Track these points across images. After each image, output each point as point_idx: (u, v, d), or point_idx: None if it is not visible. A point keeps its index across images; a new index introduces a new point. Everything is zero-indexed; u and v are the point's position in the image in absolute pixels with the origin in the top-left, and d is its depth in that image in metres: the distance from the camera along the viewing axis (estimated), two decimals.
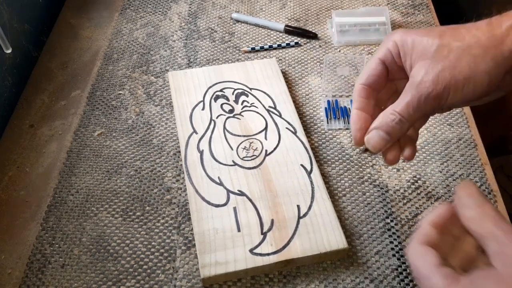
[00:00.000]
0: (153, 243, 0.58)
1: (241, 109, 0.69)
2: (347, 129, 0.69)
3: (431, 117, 0.48)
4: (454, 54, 0.41)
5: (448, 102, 0.41)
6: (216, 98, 0.70)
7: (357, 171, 0.64)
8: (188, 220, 0.60)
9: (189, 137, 0.65)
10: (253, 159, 0.63)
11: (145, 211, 0.61)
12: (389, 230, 0.59)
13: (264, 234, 0.55)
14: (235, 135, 0.65)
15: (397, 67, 0.45)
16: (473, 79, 0.40)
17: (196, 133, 0.66)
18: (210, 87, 0.72)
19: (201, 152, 0.64)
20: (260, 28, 0.85)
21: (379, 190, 0.62)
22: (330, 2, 0.89)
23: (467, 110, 0.72)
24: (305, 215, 0.57)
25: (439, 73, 0.40)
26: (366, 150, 0.45)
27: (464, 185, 0.38)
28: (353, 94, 0.46)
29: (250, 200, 0.58)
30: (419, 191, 0.62)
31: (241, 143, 0.64)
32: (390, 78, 0.46)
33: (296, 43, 0.82)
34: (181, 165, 0.65)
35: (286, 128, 0.66)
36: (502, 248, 0.33)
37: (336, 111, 0.71)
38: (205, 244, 0.55)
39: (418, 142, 0.65)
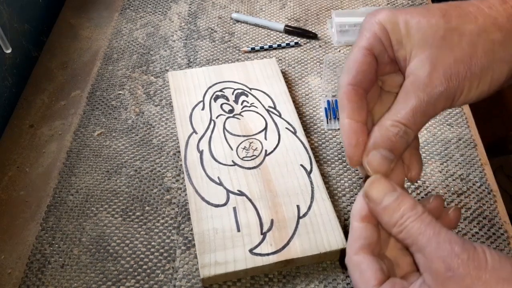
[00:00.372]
0: (153, 243, 0.58)
1: (241, 109, 0.69)
2: None
3: None
4: (468, 40, 0.32)
5: (459, 101, 0.33)
6: (216, 98, 0.70)
7: (357, 171, 0.64)
8: (188, 220, 0.60)
9: (189, 137, 0.65)
10: (253, 159, 0.63)
11: (145, 211, 0.61)
12: None
13: (263, 234, 0.55)
14: (235, 135, 0.65)
15: (387, 58, 0.36)
16: (491, 70, 0.33)
17: (196, 133, 0.66)
18: (210, 87, 0.72)
19: (201, 152, 0.64)
20: (260, 28, 0.85)
21: None
22: (330, 2, 0.89)
23: (467, 110, 0.72)
24: (304, 215, 0.57)
25: (452, 66, 0.32)
26: (366, 178, 0.35)
27: (371, 185, 0.33)
28: (338, 98, 0.36)
29: (250, 200, 0.59)
30: (418, 191, 0.62)
31: (241, 143, 0.64)
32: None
33: (296, 43, 0.82)
34: (181, 165, 0.65)
35: (286, 128, 0.66)
36: (428, 264, 0.30)
37: (336, 111, 0.71)
38: (205, 244, 0.55)
39: None
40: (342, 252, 0.55)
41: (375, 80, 0.37)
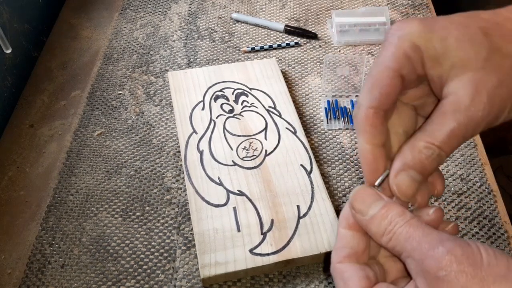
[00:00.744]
0: (153, 243, 0.58)
1: (241, 109, 0.69)
2: (347, 129, 0.69)
3: None
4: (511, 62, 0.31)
5: (499, 122, 0.32)
6: (216, 98, 0.70)
7: (357, 171, 0.64)
8: (188, 220, 0.60)
9: (189, 137, 0.65)
10: (253, 159, 0.63)
11: (145, 211, 0.61)
12: None
13: (264, 234, 0.55)
14: (235, 135, 0.65)
15: (414, 76, 0.33)
16: None
17: (196, 133, 0.66)
18: (210, 87, 0.72)
19: (201, 152, 0.64)
20: (260, 28, 0.85)
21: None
22: (330, 2, 0.89)
23: None
24: (305, 215, 0.57)
25: (495, 89, 0.30)
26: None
27: (356, 196, 0.33)
28: (358, 120, 0.33)
29: (250, 200, 0.58)
30: None
31: (241, 143, 0.64)
32: None
33: (296, 43, 0.82)
34: (181, 165, 0.65)
35: (286, 128, 0.66)
36: (420, 266, 0.28)
37: (336, 111, 0.71)
38: (205, 244, 0.55)
39: None
40: (326, 258, 0.54)
41: (397, 99, 0.34)
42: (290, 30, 0.83)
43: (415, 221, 0.30)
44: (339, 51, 0.81)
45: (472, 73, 0.31)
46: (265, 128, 0.66)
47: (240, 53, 0.81)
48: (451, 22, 0.32)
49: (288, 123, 0.67)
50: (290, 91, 0.72)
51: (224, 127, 0.66)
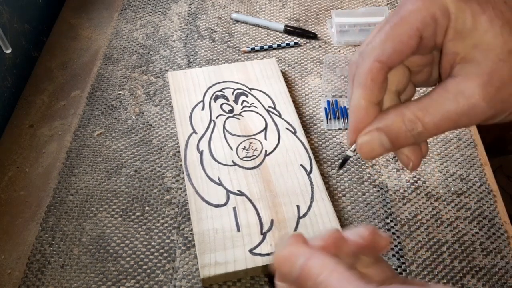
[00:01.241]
0: (152, 243, 0.58)
1: (241, 109, 0.69)
2: (346, 129, 0.69)
3: None
4: None
5: (496, 120, 0.31)
6: (216, 98, 0.70)
7: (357, 171, 0.64)
8: (187, 220, 0.60)
9: (188, 137, 0.65)
10: (252, 159, 0.63)
11: (145, 211, 0.61)
12: (388, 230, 0.59)
13: (263, 234, 0.55)
14: (234, 135, 0.65)
15: (432, 44, 0.31)
16: None
17: (196, 133, 0.66)
18: (210, 87, 0.72)
19: (201, 152, 0.64)
20: (260, 28, 0.85)
21: (378, 190, 0.62)
22: (330, 2, 0.89)
23: None
24: (304, 215, 0.57)
25: (505, 87, 0.29)
26: (344, 161, 0.34)
27: (278, 260, 0.29)
28: (360, 71, 0.31)
29: (250, 200, 0.59)
30: (418, 191, 0.62)
31: (240, 143, 0.64)
32: None
33: (296, 43, 0.82)
34: (181, 165, 0.65)
35: (286, 128, 0.66)
36: None
37: (336, 111, 0.71)
38: (205, 244, 0.55)
39: None
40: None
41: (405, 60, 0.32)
42: (290, 30, 0.83)
43: (338, 272, 0.26)
44: (339, 51, 0.81)
45: (492, 62, 0.29)
46: (265, 128, 0.66)
47: (240, 53, 0.81)
48: (487, 0, 0.30)
49: (288, 123, 0.67)
50: (290, 91, 0.72)
51: (224, 127, 0.66)
